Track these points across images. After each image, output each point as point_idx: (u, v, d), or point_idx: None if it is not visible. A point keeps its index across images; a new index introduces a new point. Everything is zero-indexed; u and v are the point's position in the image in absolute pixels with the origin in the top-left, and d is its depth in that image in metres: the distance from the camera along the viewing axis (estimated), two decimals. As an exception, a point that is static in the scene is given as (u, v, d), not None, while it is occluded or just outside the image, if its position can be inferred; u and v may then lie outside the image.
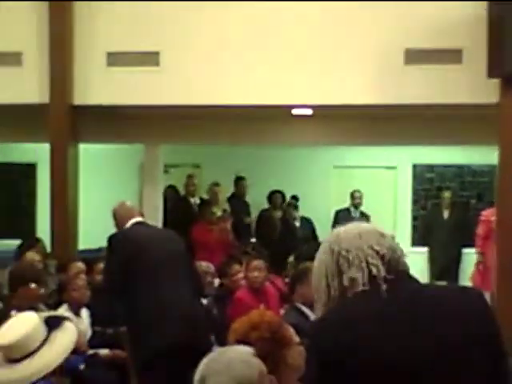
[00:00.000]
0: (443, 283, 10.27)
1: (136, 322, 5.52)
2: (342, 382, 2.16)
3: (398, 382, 2.15)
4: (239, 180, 12.81)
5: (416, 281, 2.40)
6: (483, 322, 2.28)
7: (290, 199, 12.78)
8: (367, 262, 2.31)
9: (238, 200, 12.72)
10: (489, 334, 2.28)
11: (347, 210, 12.84)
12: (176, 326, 5.29)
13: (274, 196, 12.73)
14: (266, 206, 12.70)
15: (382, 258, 2.33)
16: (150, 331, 5.31)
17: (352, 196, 12.83)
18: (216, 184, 12.14)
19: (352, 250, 2.33)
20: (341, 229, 2.44)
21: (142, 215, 6.13)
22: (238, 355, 2.87)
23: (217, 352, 2.91)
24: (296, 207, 12.52)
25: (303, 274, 5.81)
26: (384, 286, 2.27)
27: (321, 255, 2.42)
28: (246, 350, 2.94)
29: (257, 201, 12.81)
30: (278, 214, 12.63)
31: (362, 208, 12.87)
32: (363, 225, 2.46)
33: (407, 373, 2.15)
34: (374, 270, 2.29)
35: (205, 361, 2.87)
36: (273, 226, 11.79)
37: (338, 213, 12.86)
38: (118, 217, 6.00)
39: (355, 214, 12.80)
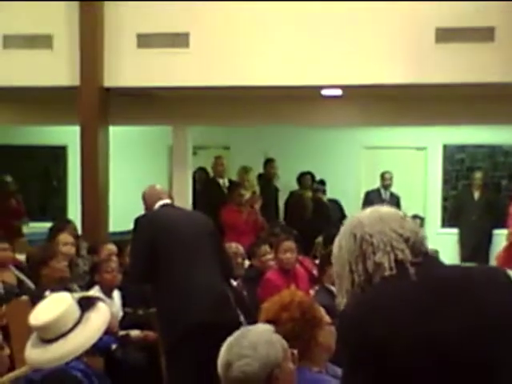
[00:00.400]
0: (473, 264, 10.21)
1: (163, 302, 5.51)
2: (376, 372, 2.14)
3: (428, 370, 2.13)
4: (269, 162, 12.77)
5: (442, 263, 2.37)
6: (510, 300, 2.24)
7: (317, 184, 12.72)
8: (392, 246, 2.27)
9: (266, 182, 12.68)
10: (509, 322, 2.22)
11: (377, 191, 12.78)
12: (203, 305, 5.30)
13: (304, 177, 12.69)
14: (294, 187, 12.67)
15: (407, 240, 2.30)
16: (177, 311, 5.32)
17: (382, 177, 12.76)
18: (246, 170, 12.04)
19: (375, 234, 2.30)
20: (361, 213, 2.40)
21: (170, 197, 6.10)
22: (261, 336, 2.88)
23: (239, 334, 2.91)
24: (324, 192, 12.47)
25: None
26: (412, 270, 2.23)
27: (342, 241, 2.37)
28: (266, 329, 2.95)
29: (285, 182, 12.79)
30: (309, 194, 12.60)
31: (392, 189, 12.81)
32: (383, 208, 2.42)
33: (437, 360, 2.13)
34: (400, 254, 2.26)
35: (228, 344, 2.88)
36: (304, 205, 11.76)
37: (367, 194, 12.80)
38: (147, 199, 5.98)
39: (385, 195, 12.74)
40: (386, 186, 12.74)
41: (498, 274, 2.35)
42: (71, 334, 3.45)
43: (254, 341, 2.84)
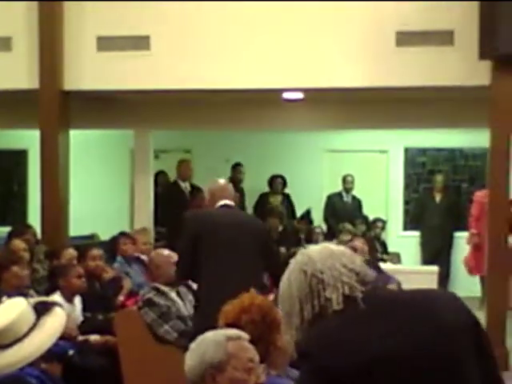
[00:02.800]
0: (435, 267, 10.28)
1: (199, 300, 5.66)
2: None
3: None
4: (236, 166, 12.74)
5: (386, 289, 2.45)
6: (458, 317, 2.26)
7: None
8: (342, 282, 2.29)
9: (233, 186, 12.63)
10: (464, 328, 2.25)
11: (339, 194, 12.83)
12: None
13: (275, 180, 12.71)
14: (257, 190, 12.69)
15: (357, 274, 2.32)
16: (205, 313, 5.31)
17: (344, 180, 12.81)
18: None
19: (326, 270, 2.30)
20: (311, 250, 2.40)
21: (232, 199, 6.04)
22: (212, 336, 2.88)
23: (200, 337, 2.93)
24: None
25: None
26: (360, 300, 2.26)
27: (291, 277, 2.36)
28: (223, 333, 2.94)
29: (248, 185, 12.79)
30: (279, 198, 12.62)
31: (354, 192, 12.86)
32: (333, 245, 2.43)
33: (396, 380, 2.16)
34: (348, 290, 2.27)
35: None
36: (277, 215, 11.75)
37: (330, 197, 12.85)
38: (210, 196, 6.03)
39: (347, 198, 12.79)
40: (348, 190, 12.79)
41: (446, 293, 2.43)
42: (26, 339, 3.40)
43: (203, 340, 2.85)
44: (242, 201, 12.55)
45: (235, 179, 12.58)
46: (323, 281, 2.29)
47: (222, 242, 5.62)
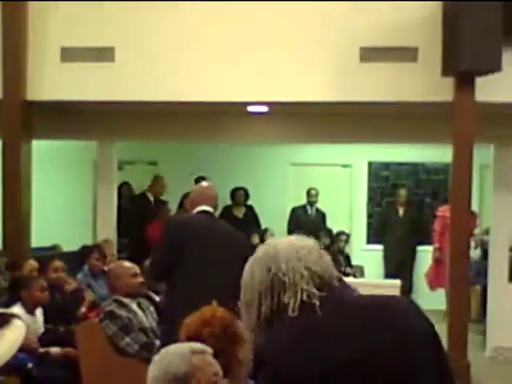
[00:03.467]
0: (397, 281, 10.35)
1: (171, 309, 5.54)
2: None
3: None
4: (199, 179, 12.71)
5: (347, 294, 2.38)
6: (420, 325, 2.28)
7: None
8: (301, 289, 2.28)
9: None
10: (425, 336, 2.26)
11: (303, 207, 12.88)
12: None
13: (237, 193, 12.72)
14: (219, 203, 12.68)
15: (320, 277, 2.31)
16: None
17: (308, 193, 12.86)
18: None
19: (289, 272, 2.30)
20: (279, 243, 2.39)
21: (212, 204, 5.95)
22: (176, 348, 2.87)
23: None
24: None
25: None
26: (317, 306, 2.25)
27: (254, 269, 2.37)
28: (187, 346, 2.93)
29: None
30: (242, 210, 12.63)
31: (318, 205, 12.91)
32: (302, 241, 2.40)
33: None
34: (305, 297, 2.27)
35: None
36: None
37: (294, 210, 12.88)
38: (192, 199, 5.97)
39: (311, 211, 12.84)
40: (312, 203, 12.84)
41: (402, 300, 2.43)
42: None
43: (168, 350, 2.84)
44: None
45: None
46: (284, 283, 2.29)
47: (201, 251, 5.59)
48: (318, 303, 2.26)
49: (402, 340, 2.20)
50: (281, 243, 2.39)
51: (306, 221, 12.58)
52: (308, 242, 2.41)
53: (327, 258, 2.39)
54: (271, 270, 2.31)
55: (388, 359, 2.18)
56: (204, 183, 6.23)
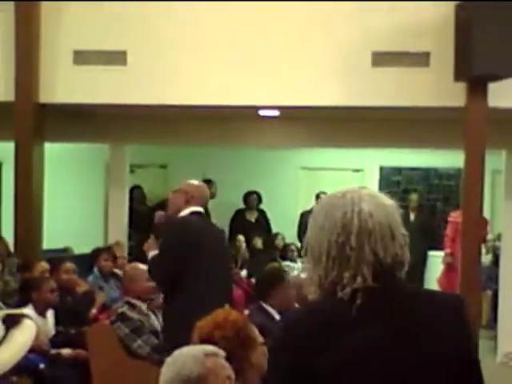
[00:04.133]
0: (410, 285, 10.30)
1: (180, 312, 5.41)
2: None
3: None
4: (206, 183, 12.73)
5: (402, 287, 2.26)
6: (455, 331, 2.19)
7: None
8: (362, 273, 2.16)
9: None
10: (457, 344, 2.19)
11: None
12: None
13: (250, 197, 12.71)
14: (231, 206, 12.71)
15: (380, 264, 2.19)
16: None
17: (317, 198, 12.83)
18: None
19: (356, 248, 2.17)
20: (360, 207, 2.20)
21: (203, 204, 5.84)
22: (190, 350, 2.86)
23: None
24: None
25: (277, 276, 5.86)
26: (358, 302, 2.14)
27: (326, 223, 2.21)
28: (200, 348, 2.92)
29: (220, 200, 12.80)
30: (255, 214, 12.64)
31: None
32: (382, 213, 2.22)
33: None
34: (360, 281, 2.15)
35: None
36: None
37: (303, 215, 12.86)
38: (183, 198, 5.73)
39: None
40: None
41: (449, 300, 2.30)
42: None
43: (182, 352, 2.83)
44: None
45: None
46: (349, 258, 2.17)
47: (209, 254, 5.57)
48: (360, 298, 2.14)
49: (426, 368, 2.12)
50: (362, 207, 2.20)
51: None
52: (387, 216, 2.23)
53: (400, 239, 2.27)
54: (340, 237, 2.19)
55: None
56: (195, 182, 5.97)
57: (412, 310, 2.19)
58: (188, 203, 5.69)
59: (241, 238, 11.33)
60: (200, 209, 5.74)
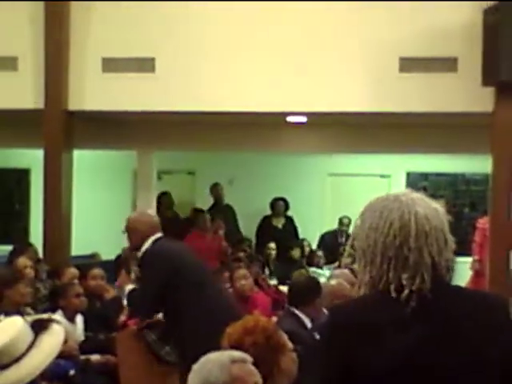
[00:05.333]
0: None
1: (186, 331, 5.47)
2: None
3: None
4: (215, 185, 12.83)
5: (454, 290, 2.25)
6: (498, 338, 2.18)
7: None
8: (422, 275, 2.16)
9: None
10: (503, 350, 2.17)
11: (333, 233, 12.56)
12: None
13: (277, 203, 12.68)
14: (252, 213, 12.74)
15: (434, 267, 2.19)
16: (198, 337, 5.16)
17: (340, 222, 12.59)
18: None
19: (415, 250, 2.16)
20: (416, 209, 2.20)
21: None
22: (216, 358, 2.86)
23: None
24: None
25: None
26: (413, 304, 2.14)
27: (379, 225, 2.21)
28: (227, 354, 2.93)
29: (248, 207, 12.83)
30: (282, 221, 12.61)
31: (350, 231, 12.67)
32: (436, 217, 2.23)
33: None
34: (418, 284, 2.15)
35: None
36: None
37: (323, 237, 12.59)
38: (142, 226, 5.67)
39: (341, 238, 12.43)
40: (343, 232, 12.50)
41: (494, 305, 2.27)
42: (24, 359, 3.38)
43: (208, 359, 2.84)
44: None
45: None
46: (407, 259, 2.16)
47: (199, 272, 5.69)
48: (412, 302, 2.14)
49: (475, 368, 2.12)
50: (418, 211, 2.20)
51: (336, 246, 12.18)
52: (440, 219, 2.25)
53: (451, 244, 2.27)
54: (397, 238, 2.18)
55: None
56: (141, 212, 6.18)
57: (462, 312, 2.19)
58: (148, 235, 5.65)
59: (272, 245, 11.31)
60: (159, 234, 5.71)
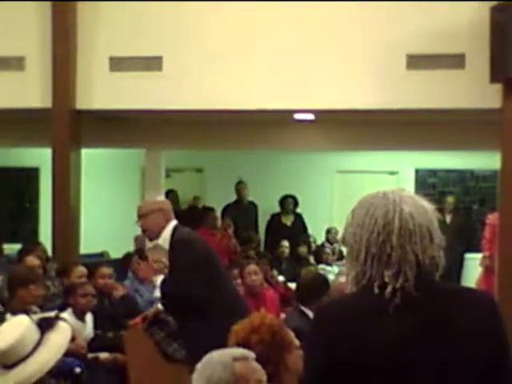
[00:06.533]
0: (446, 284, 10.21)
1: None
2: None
3: None
4: (239, 184, 12.81)
5: (439, 287, 2.25)
6: (488, 327, 2.20)
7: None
8: (405, 273, 2.17)
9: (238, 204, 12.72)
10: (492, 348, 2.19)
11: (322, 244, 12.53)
12: None
13: (286, 200, 12.69)
14: (265, 210, 12.73)
15: (418, 265, 2.19)
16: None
17: (327, 233, 12.55)
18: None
19: (397, 248, 2.18)
20: (401, 207, 2.21)
21: None
22: (219, 357, 2.86)
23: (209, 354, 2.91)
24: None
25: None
26: (397, 300, 2.15)
27: (360, 219, 2.23)
28: (229, 353, 2.92)
29: (259, 205, 12.84)
30: (291, 218, 12.61)
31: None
32: (422, 215, 2.23)
33: None
34: (402, 281, 2.16)
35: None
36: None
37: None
38: (166, 213, 5.55)
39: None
40: (332, 242, 12.42)
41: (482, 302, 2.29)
42: (31, 358, 3.39)
43: (210, 360, 2.84)
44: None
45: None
46: (391, 257, 2.18)
47: (218, 262, 5.71)
48: (399, 297, 2.15)
49: (459, 362, 2.13)
50: (403, 208, 2.21)
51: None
52: (425, 217, 2.24)
53: (439, 242, 2.27)
54: (380, 235, 2.19)
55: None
56: (156, 198, 6.11)
57: (447, 308, 2.20)
58: (168, 220, 5.53)
59: (285, 243, 11.29)
60: (176, 221, 5.58)
